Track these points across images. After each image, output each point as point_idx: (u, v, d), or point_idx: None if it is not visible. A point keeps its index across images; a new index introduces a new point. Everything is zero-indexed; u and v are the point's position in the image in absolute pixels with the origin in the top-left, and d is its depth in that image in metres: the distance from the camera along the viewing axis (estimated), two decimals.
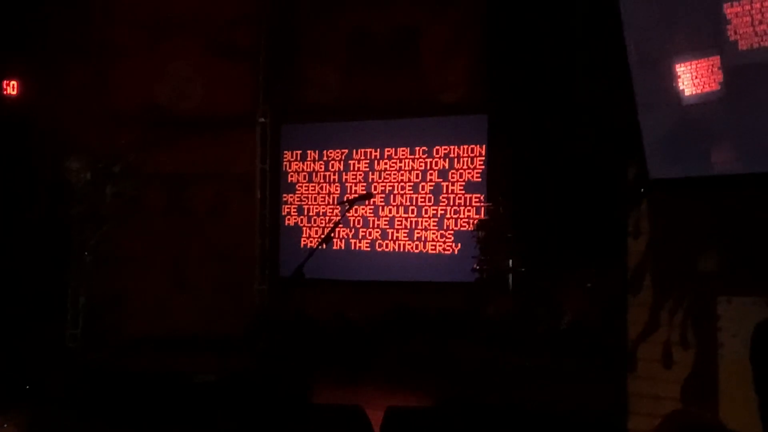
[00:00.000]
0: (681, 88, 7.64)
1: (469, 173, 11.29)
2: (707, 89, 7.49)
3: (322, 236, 11.19)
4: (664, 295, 8.02)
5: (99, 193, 11.24)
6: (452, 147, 11.39)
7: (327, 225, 11.78)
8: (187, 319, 11.63)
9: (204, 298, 11.96)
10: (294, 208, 12.23)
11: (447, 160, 11.41)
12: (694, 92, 7.58)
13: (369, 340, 10.29)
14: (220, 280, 12.06)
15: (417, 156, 11.57)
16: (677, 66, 7.63)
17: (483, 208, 11.09)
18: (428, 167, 11.51)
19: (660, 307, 8.01)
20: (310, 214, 12.14)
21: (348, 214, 11.31)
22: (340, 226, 11.35)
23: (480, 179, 11.23)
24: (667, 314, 7.98)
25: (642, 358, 8.12)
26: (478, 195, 11.21)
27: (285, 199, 12.31)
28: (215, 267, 12.10)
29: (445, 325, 10.35)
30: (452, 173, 11.37)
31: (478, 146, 11.24)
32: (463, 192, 11.32)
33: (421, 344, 9.99)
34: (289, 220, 12.25)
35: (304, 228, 12.15)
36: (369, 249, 11.75)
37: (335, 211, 11.83)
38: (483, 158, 11.21)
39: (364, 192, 11.44)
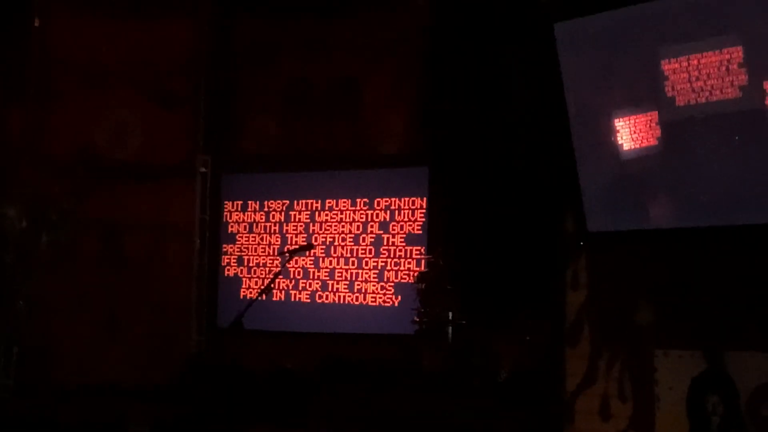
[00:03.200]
0: (620, 142, 7.77)
1: (409, 225, 11.28)
2: (645, 144, 7.62)
3: (262, 287, 11.27)
4: (602, 347, 8.08)
5: (34, 241, 11.09)
6: (393, 199, 11.39)
7: (267, 276, 11.69)
8: (121, 369, 11.44)
9: (137, 347, 11.78)
10: (234, 258, 12.14)
11: (388, 212, 11.40)
12: (632, 147, 7.71)
13: (304, 390, 10.21)
14: (154, 330, 11.90)
15: (358, 207, 11.55)
16: (616, 120, 7.76)
17: (423, 261, 11.07)
18: (369, 219, 11.49)
19: (598, 359, 8.08)
20: (250, 264, 12.05)
21: (288, 265, 11.27)
22: (281, 277, 11.32)
23: (421, 231, 11.21)
24: (605, 366, 8.04)
25: (580, 410, 8.18)
26: (419, 247, 11.19)
27: (225, 249, 12.20)
28: (149, 316, 11.94)
29: (381, 376, 10.30)
30: (393, 225, 11.36)
31: (419, 199, 11.24)
32: (404, 244, 11.29)
33: (356, 395, 9.93)
34: (228, 270, 12.15)
35: (244, 278, 12.05)
36: (309, 300, 11.67)
37: (275, 262, 11.75)
38: (424, 211, 11.20)
39: (305, 243, 11.39)
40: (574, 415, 8.16)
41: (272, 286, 7.55)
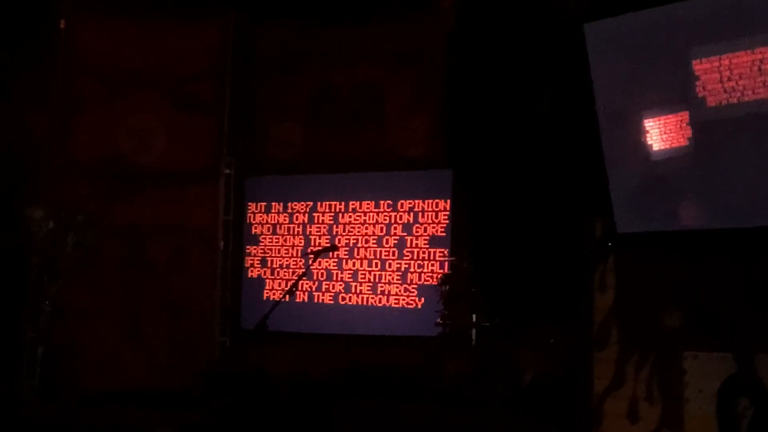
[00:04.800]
0: (649, 143, 7.72)
1: (433, 228, 11.28)
2: (675, 144, 7.57)
3: (286, 288, 11.27)
4: (631, 350, 8.04)
5: (60, 243, 11.10)
6: (417, 201, 11.40)
7: (290, 277, 11.71)
8: (144, 373, 11.47)
9: (161, 351, 11.80)
10: (257, 260, 12.16)
11: (411, 214, 11.41)
12: (662, 147, 7.65)
13: (327, 397, 10.20)
14: (178, 334, 11.91)
15: (381, 209, 11.56)
16: (646, 121, 7.71)
17: (447, 263, 11.06)
18: (392, 221, 11.50)
19: (626, 363, 8.03)
20: (274, 266, 12.06)
21: (312, 267, 11.26)
22: (304, 278, 11.34)
23: (444, 234, 11.23)
24: (633, 369, 7.99)
25: (608, 413, 8.13)
26: (443, 249, 11.19)
27: (248, 251, 12.23)
28: (173, 320, 11.95)
29: (404, 382, 10.27)
30: (416, 227, 11.37)
31: (442, 201, 11.25)
32: (427, 246, 11.30)
33: (379, 403, 9.91)
34: (252, 272, 12.17)
35: (267, 280, 12.06)
36: (332, 302, 11.69)
37: (299, 263, 11.77)
38: (447, 213, 11.20)
39: (328, 244, 11.41)
40: (602, 419, 8.10)
41: (296, 287, 7.55)
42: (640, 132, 7.73)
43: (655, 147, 7.66)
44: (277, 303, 7.21)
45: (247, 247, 12.24)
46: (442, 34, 11.07)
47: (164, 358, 11.75)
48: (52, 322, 11.22)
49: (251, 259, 12.20)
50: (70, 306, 11.52)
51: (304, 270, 9.61)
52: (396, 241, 11.46)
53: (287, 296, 7.78)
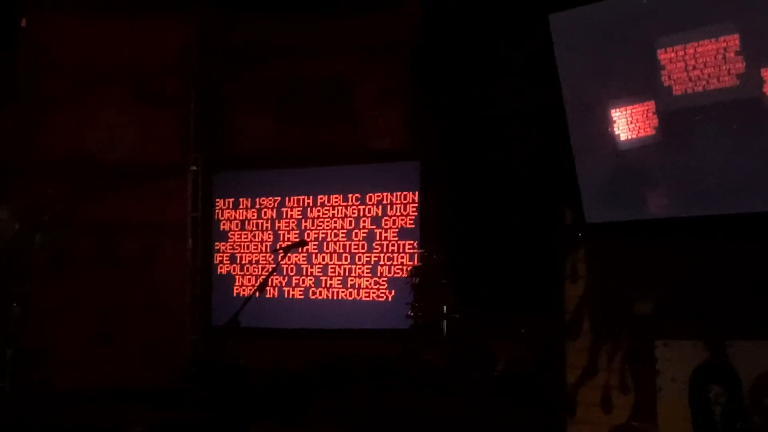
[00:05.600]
0: (617, 133, 7.75)
1: (402, 220, 11.26)
2: (642, 134, 7.59)
3: (256, 284, 11.24)
4: (603, 340, 8.06)
5: (27, 243, 11.01)
6: (385, 194, 11.37)
7: (260, 273, 11.67)
8: (118, 371, 11.34)
9: (134, 349, 11.71)
10: (226, 256, 12.11)
11: (380, 206, 11.39)
12: (629, 137, 7.68)
13: (302, 389, 10.20)
14: (151, 331, 11.84)
15: (350, 203, 11.54)
16: (613, 111, 7.73)
17: (416, 255, 11.06)
18: (361, 214, 11.48)
19: (598, 352, 8.06)
20: (243, 262, 12.02)
21: (281, 262, 11.22)
22: (274, 274, 11.32)
23: (413, 225, 11.20)
24: (606, 358, 8.02)
25: (582, 402, 8.16)
26: (412, 241, 11.17)
27: (217, 247, 12.18)
28: (146, 317, 11.88)
29: (379, 373, 10.29)
30: (385, 220, 11.34)
31: (411, 193, 11.23)
32: (397, 239, 11.28)
33: (356, 392, 9.92)
34: (221, 268, 12.12)
35: (237, 276, 12.02)
36: (302, 297, 11.65)
37: (268, 258, 11.73)
38: (416, 205, 11.18)
39: (297, 239, 11.40)
40: (575, 407, 8.12)
41: (266, 283, 7.58)
42: (607, 122, 7.75)
43: (623, 137, 7.69)
44: (248, 299, 7.24)
45: (216, 243, 12.19)
46: (410, 26, 11.05)
47: (137, 356, 11.64)
48: (22, 322, 11.13)
49: (220, 256, 12.14)
50: (40, 306, 11.42)
51: (275, 266, 9.58)
52: (365, 234, 11.44)
53: (257, 292, 7.78)
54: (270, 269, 10.97)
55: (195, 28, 12.33)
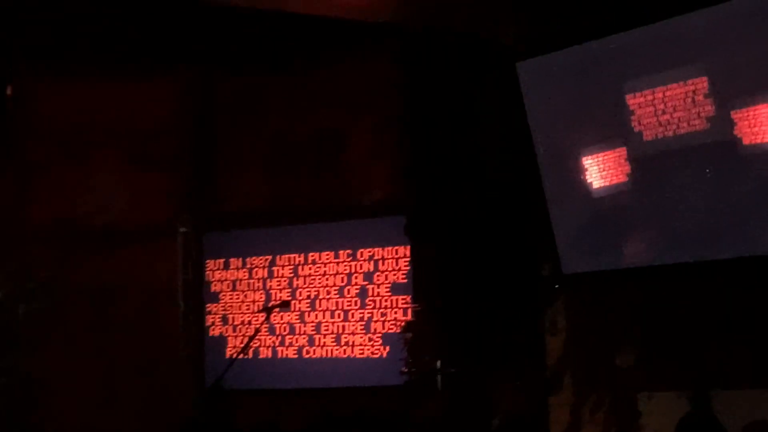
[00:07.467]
0: (589, 180, 7.64)
1: (394, 275, 11.12)
2: (615, 181, 7.49)
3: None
4: (585, 394, 7.91)
5: (11, 313, 10.93)
6: (377, 249, 11.23)
7: (252, 334, 11.53)
8: None
9: (130, 413, 11.59)
10: (218, 317, 11.97)
11: (372, 262, 11.25)
12: (602, 185, 7.58)
13: None
14: (149, 395, 11.73)
15: (341, 259, 11.40)
16: (585, 159, 7.63)
17: (410, 310, 10.92)
18: (353, 270, 11.33)
19: (581, 406, 7.90)
20: (235, 323, 11.87)
21: (274, 322, 11.15)
22: (267, 333, 11.20)
23: (406, 280, 11.05)
24: (589, 412, 7.86)
25: None
26: (405, 297, 11.02)
27: (209, 308, 12.04)
28: (141, 381, 11.77)
29: (375, 430, 10.14)
30: (377, 275, 11.19)
31: (402, 247, 11.08)
32: (390, 294, 11.12)
33: None
34: (213, 330, 11.99)
35: (229, 337, 11.87)
36: (296, 356, 11.50)
37: (260, 319, 11.60)
38: (408, 259, 11.04)
39: (289, 298, 11.32)
40: None
41: (251, 345, 7.53)
42: (580, 169, 7.65)
43: (596, 184, 7.58)
44: (231, 362, 7.22)
45: (208, 305, 12.06)
46: (397, 80, 10.99)
47: (134, 420, 11.53)
48: (9, 395, 11.00)
49: (212, 317, 12.01)
50: (33, 377, 11.31)
51: (257, 328, 9.50)
52: (358, 291, 11.29)
53: (241, 354, 7.72)
54: (261, 330, 10.89)
55: (186, 89, 12.29)
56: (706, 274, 7.28)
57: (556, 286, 7.98)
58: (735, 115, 6.91)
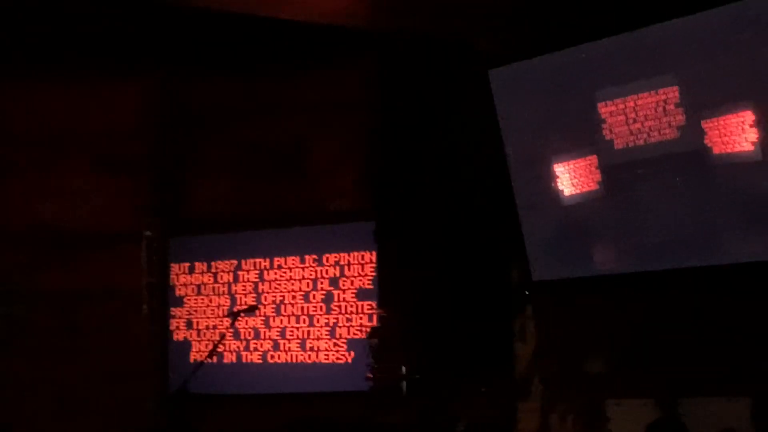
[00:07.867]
0: (560, 188, 7.67)
1: (360, 280, 11.10)
2: (586, 189, 7.53)
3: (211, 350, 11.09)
4: (554, 400, 7.94)
5: None
6: (342, 254, 11.21)
7: (217, 339, 11.48)
8: None
9: (96, 418, 11.51)
10: (183, 322, 11.88)
11: (338, 267, 11.23)
12: (573, 192, 7.62)
13: None
14: (112, 400, 11.63)
15: (307, 264, 11.37)
16: (556, 166, 7.66)
17: (375, 315, 10.92)
18: (319, 275, 11.31)
19: (550, 412, 7.93)
20: (199, 327, 11.78)
21: (238, 326, 11.08)
22: (232, 338, 11.15)
23: (372, 286, 11.04)
24: (558, 419, 7.89)
25: None
26: (370, 302, 11.02)
27: (173, 313, 11.95)
28: (106, 386, 11.66)
29: None
30: (343, 281, 11.17)
31: (368, 252, 11.08)
32: (355, 299, 11.10)
33: None
34: (177, 334, 11.91)
35: (194, 342, 11.79)
36: (261, 361, 11.45)
37: (225, 323, 11.56)
38: (373, 265, 11.05)
39: (254, 303, 11.27)
40: None
41: (217, 350, 7.49)
42: (551, 177, 7.68)
43: (566, 192, 7.62)
44: (198, 366, 7.16)
45: (172, 309, 11.97)
46: (366, 86, 11.00)
47: (99, 425, 11.44)
48: None
49: (176, 322, 11.93)
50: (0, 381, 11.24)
51: (223, 333, 9.45)
52: (323, 296, 11.25)
53: (208, 359, 7.68)
54: (227, 334, 10.87)
55: (152, 93, 12.21)
56: (675, 282, 7.33)
57: (526, 293, 8.00)
58: (705, 124, 6.97)
